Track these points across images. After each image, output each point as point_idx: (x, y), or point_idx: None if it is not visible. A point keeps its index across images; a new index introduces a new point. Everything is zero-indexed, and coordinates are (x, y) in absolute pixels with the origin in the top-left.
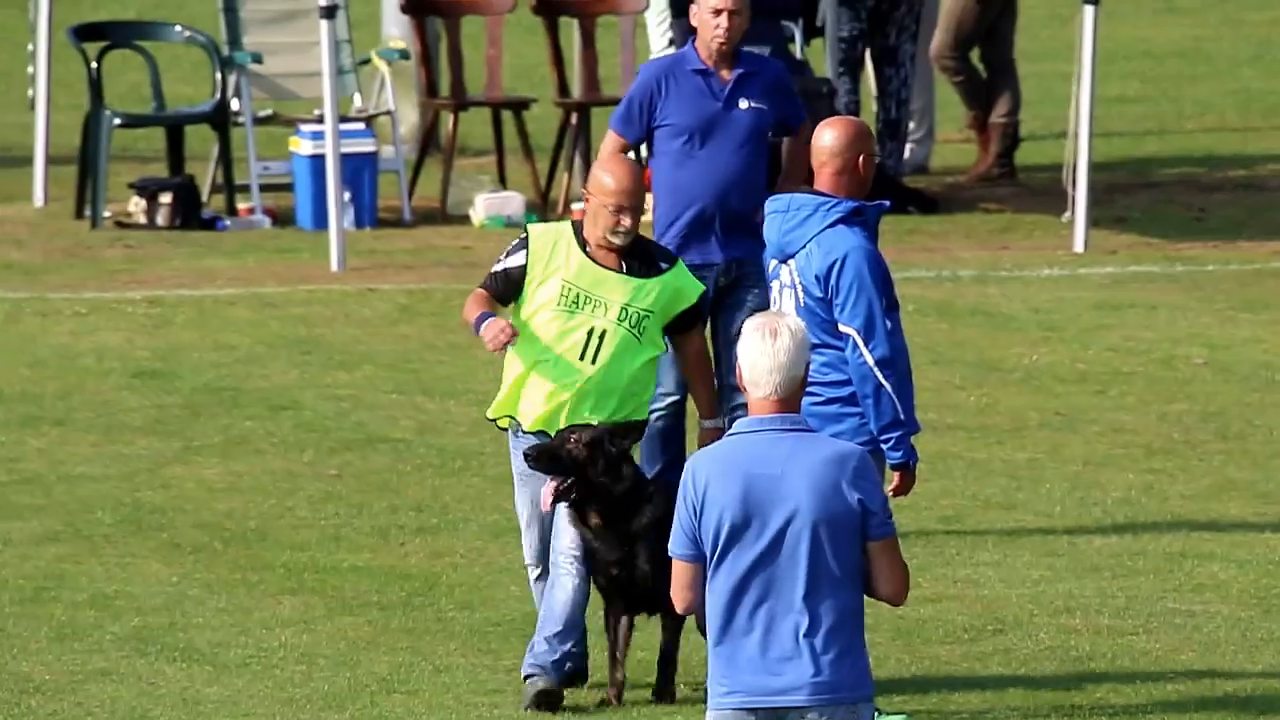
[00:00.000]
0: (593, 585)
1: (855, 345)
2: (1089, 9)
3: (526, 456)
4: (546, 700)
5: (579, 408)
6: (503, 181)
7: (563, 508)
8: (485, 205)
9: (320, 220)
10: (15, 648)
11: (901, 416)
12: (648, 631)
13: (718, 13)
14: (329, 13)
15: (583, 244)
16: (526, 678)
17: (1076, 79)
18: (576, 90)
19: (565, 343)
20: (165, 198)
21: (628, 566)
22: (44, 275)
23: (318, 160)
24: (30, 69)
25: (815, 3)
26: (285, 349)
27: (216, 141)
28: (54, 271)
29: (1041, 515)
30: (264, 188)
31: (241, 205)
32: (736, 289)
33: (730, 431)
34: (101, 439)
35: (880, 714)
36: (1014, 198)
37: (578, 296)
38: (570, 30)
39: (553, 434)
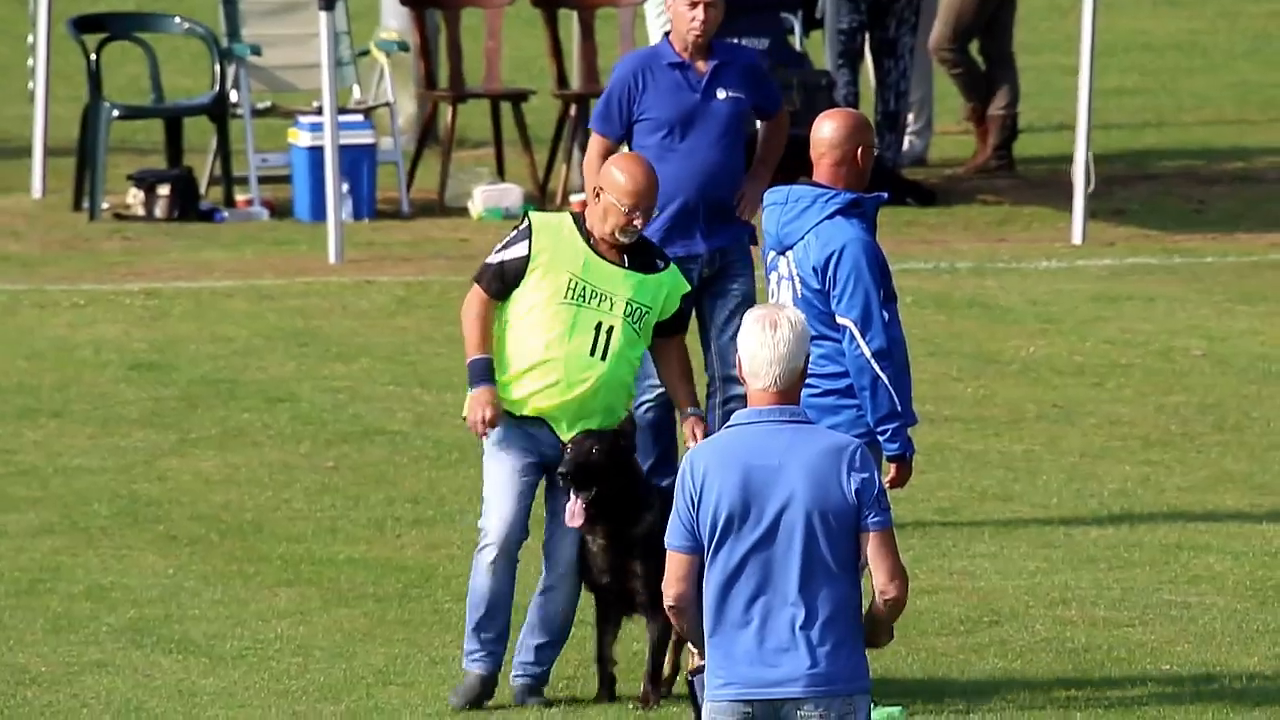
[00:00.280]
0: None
1: (852, 337)
2: (1088, 1)
3: (562, 475)
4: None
5: (590, 403)
6: (501, 173)
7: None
8: (483, 197)
9: (318, 212)
10: (11, 639)
11: (899, 408)
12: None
13: (694, 5)
14: (328, 4)
15: (586, 237)
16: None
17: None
18: (575, 82)
19: (576, 337)
20: (163, 189)
21: (620, 574)
22: (42, 267)
23: (316, 152)
24: (30, 61)
25: None
26: (282, 341)
27: (215, 133)
28: (52, 263)
29: (1038, 507)
30: (262, 179)
31: (240, 197)
32: (721, 279)
33: (729, 423)
34: (98, 431)
35: (876, 706)
36: (1012, 190)
37: (585, 290)
38: (569, 22)
39: (556, 425)
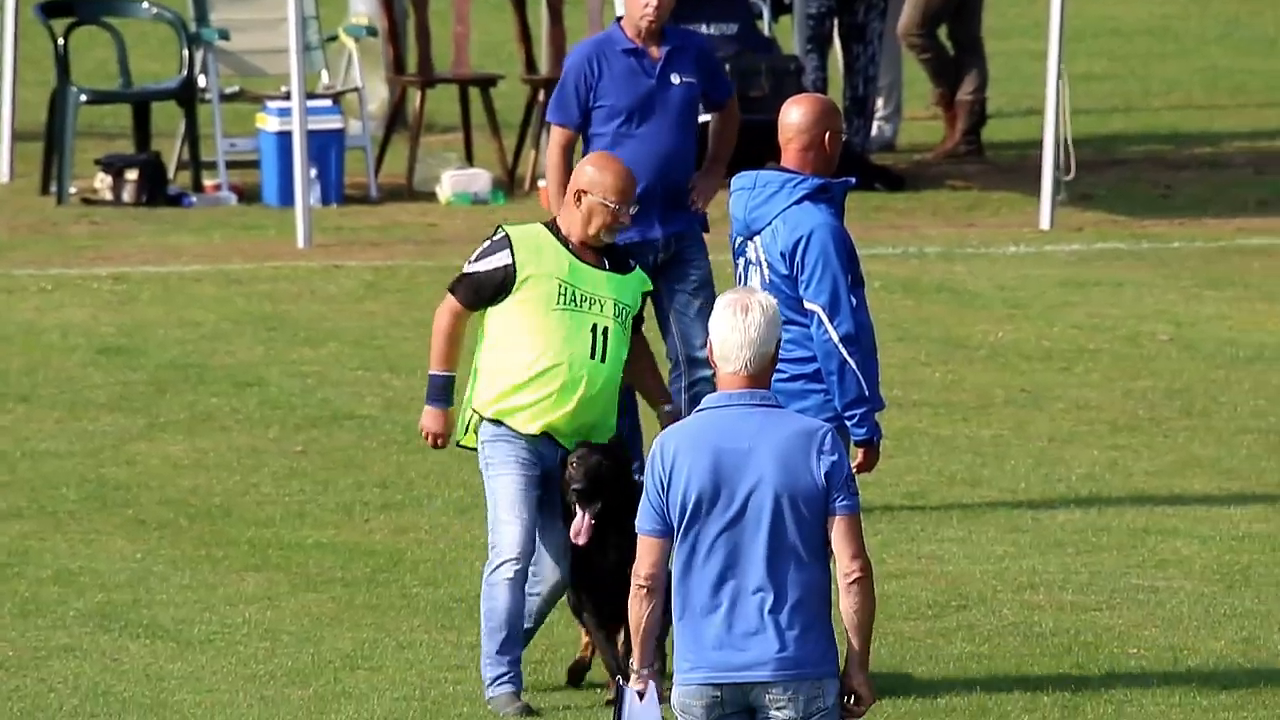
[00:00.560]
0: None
1: (820, 322)
2: None
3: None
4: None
5: (594, 406)
6: (469, 158)
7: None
8: (452, 182)
9: (286, 197)
10: None
11: (866, 393)
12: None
13: None
14: None
15: (564, 242)
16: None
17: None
18: (544, 67)
19: (576, 342)
20: (131, 174)
21: (617, 581)
22: (9, 251)
23: (284, 137)
24: None
25: None
26: (251, 326)
27: (183, 118)
28: (19, 248)
29: (1006, 491)
30: (230, 164)
31: (208, 182)
32: (678, 263)
33: (699, 407)
34: (66, 415)
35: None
36: (981, 175)
37: (575, 295)
38: (538, 7)
39: (559, 436)
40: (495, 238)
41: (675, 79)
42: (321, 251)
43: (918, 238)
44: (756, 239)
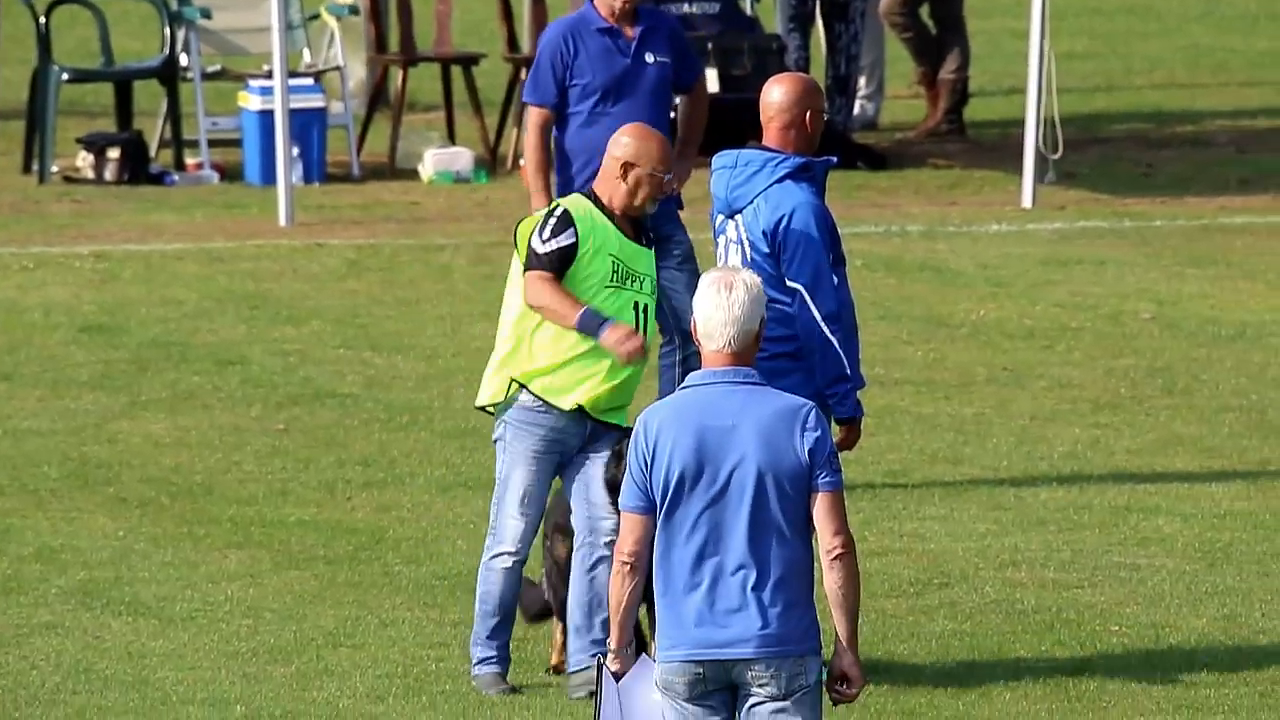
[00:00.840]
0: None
1: (803, 300)
2: None
3: (612, 487)
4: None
5: (632, 384)
6: (452, 137)
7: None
8: (434, 160)
9: (269, 175)
10: None
11: (848, 371)
12: None
13: None
14: None
15: (609, 216)
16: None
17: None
18: (526, 45)
19: (622, 320)
20: (113, 153)
21: None
22: None
23: (266, 115)
24: None
25: None
26: (233, 304)
27: (165, 97)
28: (1, 226)
29: (988, 469)
30: (212, 143)
31: (190, 160)
32: (658, 241)
33: (683, 384)
34: (48, 394)
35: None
36: (963, 154)
37: (624, 273)
38: None
39: (596, 412)
40: (557, 213)
41: (650, 58)
42: (303, 230)
43: (900, 216)
44: (738, 218)
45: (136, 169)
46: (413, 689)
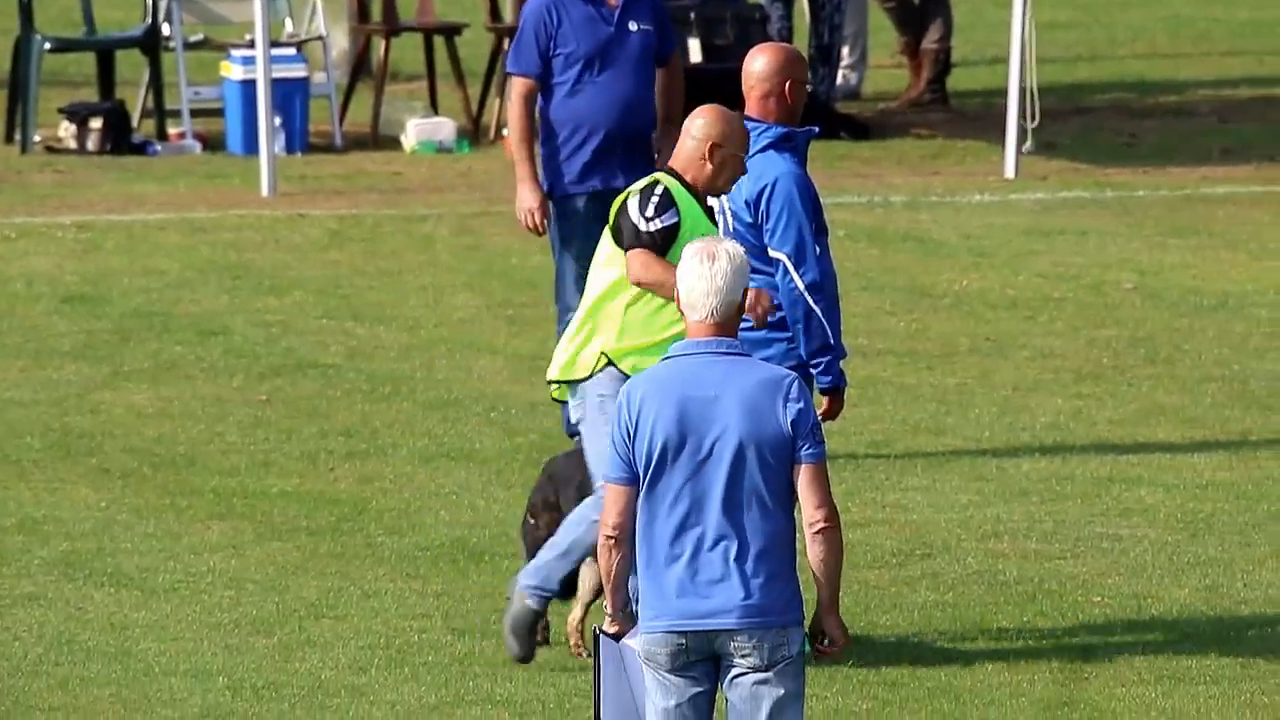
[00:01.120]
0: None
1: (786, 270)
2: None
3: None
4: None
5: None
6: (434, 107)
7: None
8: (416, 131)
9: (251, 145)
10: None
11: (831, 341)
12: None
13: None
14: None
15: (695, 197)
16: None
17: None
18: (508, 15)
19: None
20: (95, 123)
21: None
22: None
23: (249, 85)
24: None
25: None
26: (215, 274)
27: (147, 66)
28: None
29: (970, 440)
30: (195, 113)
31: (172, 130)
32: None
33: (666, 355)
34: (30, 364)
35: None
36: (945, 124)
37: None
38: None
39: None
40: (659, 191)
41: (633, 26)
42: (286, 200)
43: (883, 186)
44: None
45: (119, 139)
46: (395, 660)
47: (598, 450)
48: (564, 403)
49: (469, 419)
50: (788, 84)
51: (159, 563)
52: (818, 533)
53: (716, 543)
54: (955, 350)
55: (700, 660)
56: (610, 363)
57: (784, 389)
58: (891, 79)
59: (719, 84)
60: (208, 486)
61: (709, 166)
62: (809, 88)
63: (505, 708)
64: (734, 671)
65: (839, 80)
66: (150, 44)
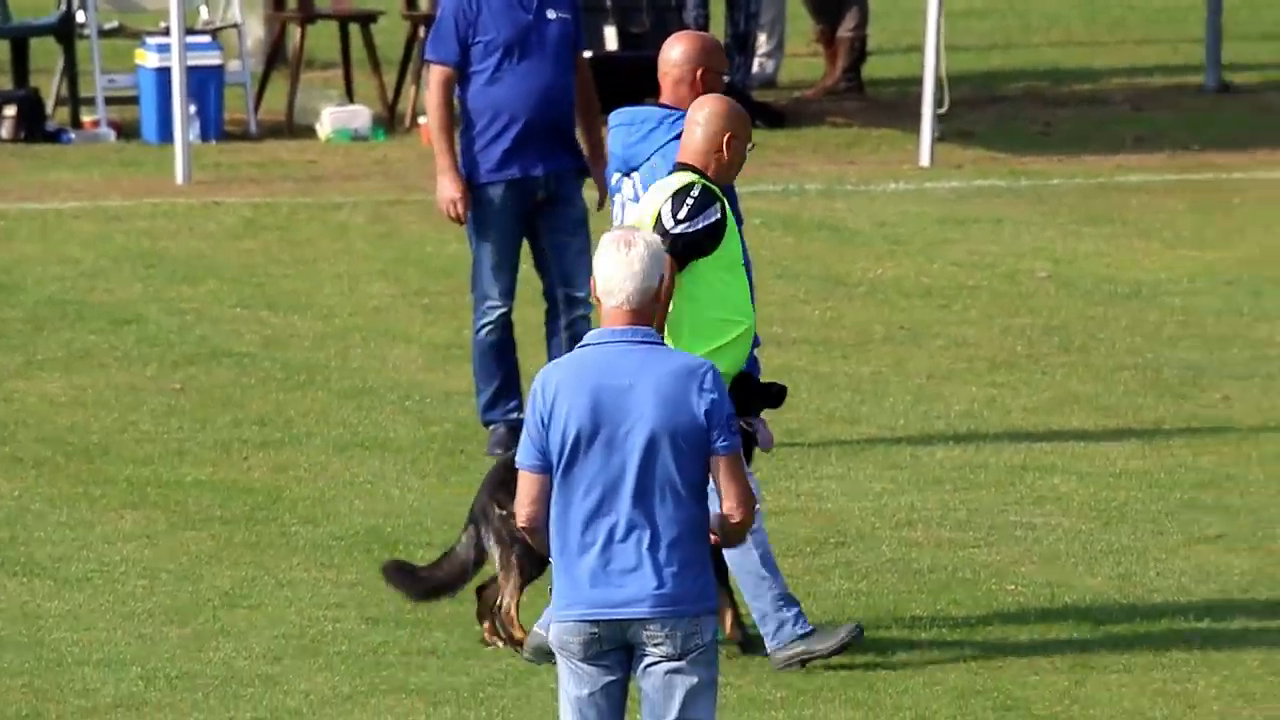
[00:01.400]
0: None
1: None
2: None
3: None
4: None
5: (744, 354)
6: (350, 95)
7: None
8: (332, 119)
9: (165, 133)
10: None
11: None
12: None
13: None
14: None
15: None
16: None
17: None
18: (424, 2)
19: (741, 284)
20: (9, 110)
21: None
22: None
23: (163, 73)
24: None
25: None
26: (129, 263)
27: (61, 54)
28: None
29: (885, 428)
30: (109, 101)
31: (86, 118)
32: (557, 201)
33: (581, 343)
34: None
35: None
36: (861, 112)
37: (743, 248)
38: None
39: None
40: (694, 193)
41: (551, 14)
42: (201, 188)
43: (798, 175)
44: (634, 175)
45: (32, 127)
46: (309, 649)
47: None
48: None
49: (384, 408)
50: (699, 71)
51: (72, 552)
52: (734, 525)
53: (629, 532)
54: (870, 339)
55: (613, 649)
56: None
57: (699, 378)
58: (808, 67)
59: (634, 72)
60: (121, 475)
61: (725, 157)
62: (725, 78)
63: (419, 696)
64: (647, 660)
65: (755, 68)
66: (65, 31)
